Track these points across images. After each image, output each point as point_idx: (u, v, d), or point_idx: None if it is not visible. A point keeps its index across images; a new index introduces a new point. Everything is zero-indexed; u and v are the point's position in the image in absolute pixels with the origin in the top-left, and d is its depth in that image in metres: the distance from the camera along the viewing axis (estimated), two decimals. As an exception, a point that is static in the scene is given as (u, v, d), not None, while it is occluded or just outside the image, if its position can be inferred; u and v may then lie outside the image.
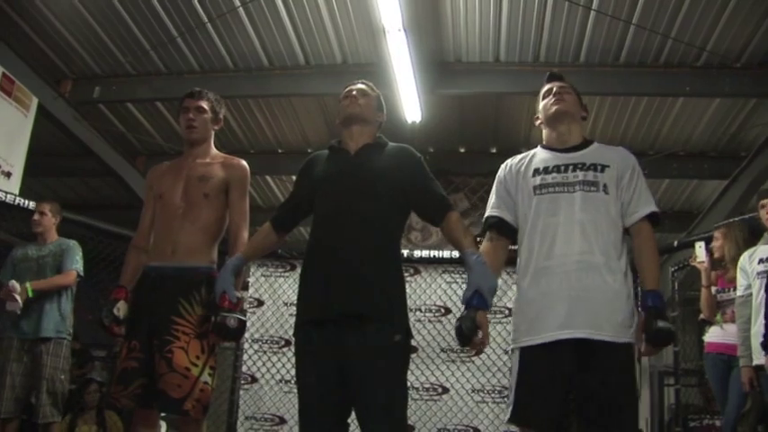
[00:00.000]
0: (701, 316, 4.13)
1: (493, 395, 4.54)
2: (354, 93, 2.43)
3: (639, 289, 2.40)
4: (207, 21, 5.64)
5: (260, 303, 4.87)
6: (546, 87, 2.42)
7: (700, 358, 4.63)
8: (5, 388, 3.83)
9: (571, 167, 2.24)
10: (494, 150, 8.02)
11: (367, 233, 2.22)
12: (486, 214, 2.40)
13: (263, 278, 4.90)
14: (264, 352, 4.77)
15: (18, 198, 4.36)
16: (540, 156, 2.35)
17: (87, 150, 6.86)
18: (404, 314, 2.25)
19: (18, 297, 3.79)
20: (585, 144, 2.33)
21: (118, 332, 2.60)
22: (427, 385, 4.60)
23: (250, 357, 4.77)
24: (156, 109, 7.27)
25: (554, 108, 2.34)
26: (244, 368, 4.76)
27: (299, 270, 4.80)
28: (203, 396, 2.47)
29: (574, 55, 5.93)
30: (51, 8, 5.66)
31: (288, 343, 4.72)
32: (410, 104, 5.99)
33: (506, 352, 4.47)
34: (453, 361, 4.64)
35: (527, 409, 2.10)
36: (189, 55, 6.25)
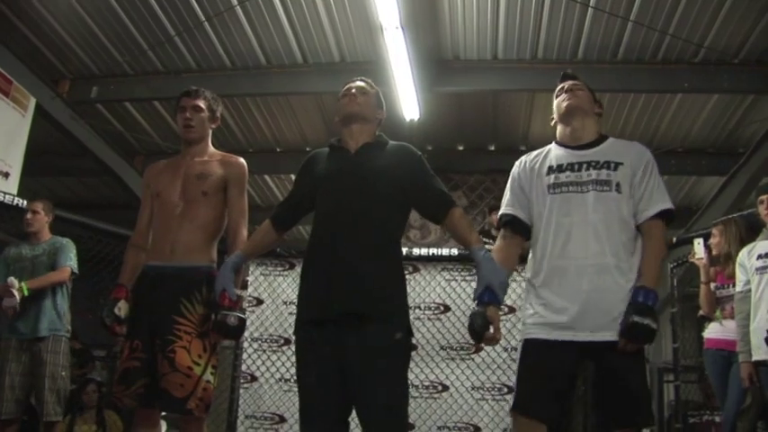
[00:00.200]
0: (701, 312, 4.13)
1: (493, 392, 4.54)
2: (354, 91, 2.42)
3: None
4: (204, 20, 5.63)
5: (259, 302, 4.87)
6: (559, 86, 2.42)
7: (699, 354, 4.64)
8: (5, 389, 3.82)
9: (585, 165, 2.24)
10: (492, 148, 8.02)
11: (367, 232, 2.21)
12: (501, 212, 2.40)
13: (262, 277, 4.90)
14: (264, 351, 4.78)
15: (16, 198, 4.36)
16: (554, 153, 2.35)
17: (85, 150, 6.85)
18: (404, 313, 2.25)
19: (16, 293, 3.79)
20: (600, 140, 2.32)
21: (119, 331, 2.60)
22: (427, 383, 4.60)
23: (249, 356, 4.77)
24: (154, 108, 7.27)
25: (565, 104, 2.34)
26: (243, 367, 4.76)
27: (298, 269, 4.83)
28: (206, 395, 2.47)
29: (572, 52, 5.93)
30: (49, 8, 5.66)
31: (287, 342, 4.72)
32: (408, 102, 5.99)
33: (506, 349, 4.48)
34: (453, 359, 4.64)
35: (528, 400, 2.13)
36: (186, 54, 6.25)
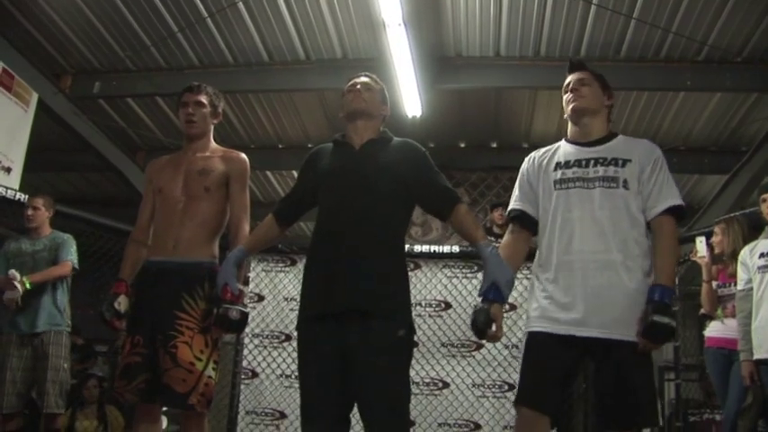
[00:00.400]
0: (702, 311, 4.13)
1: (493, 390, 4.54)
2: (359, 87, 2.40)
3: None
4: (207, 16, 5.63)
5: (260, 298, 4.86)
6: (566, 81, 2.38)
7: (700, 353, 4.63)
8: (6, 383, 3.83)
9: (592, 162, 2.23)
10: (494, 145, 8.02)
11: (370, 228, 2.21)
12: (509, 207, 2.40)
13: (263, 273, 4.89)
14: (265, 347, 4.78)
15: (18, 193, 4.36)
16: (563, 149, 2.34)
17: (87, 145, 6.87)
18: (407, 309, 2.25)
19: (18, 285, 3.79)
20: (609, 137, 2.31)
21: (119, 326, 2.61)
22: (427, 380, 4.60)
23: (250, 352, 4.77)
24: (156, 104, 7.27)
25: (570, 106, 2.33)
26: (244, 363, 4.76)
27: (299, 265, 4.83)
28: (208, 390, 2.48)
29: (574, 49, 5.91)
30: (51, 3, 5.65)
31: (288, 338, 4.72)
32: (410, 99, 5.98)
33: (507, 347, 4.47)
34: (454, 356, 4.63)
35: (532, 392, 2.13)
36: (189, 50, 6.24)
